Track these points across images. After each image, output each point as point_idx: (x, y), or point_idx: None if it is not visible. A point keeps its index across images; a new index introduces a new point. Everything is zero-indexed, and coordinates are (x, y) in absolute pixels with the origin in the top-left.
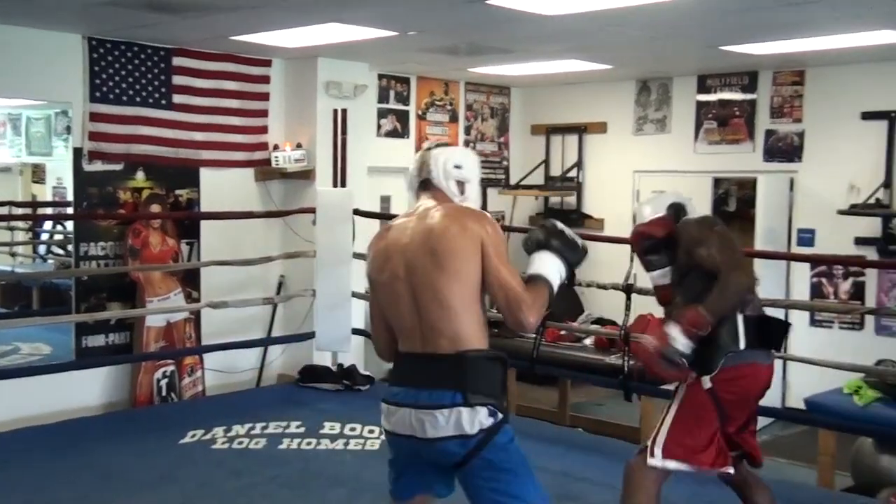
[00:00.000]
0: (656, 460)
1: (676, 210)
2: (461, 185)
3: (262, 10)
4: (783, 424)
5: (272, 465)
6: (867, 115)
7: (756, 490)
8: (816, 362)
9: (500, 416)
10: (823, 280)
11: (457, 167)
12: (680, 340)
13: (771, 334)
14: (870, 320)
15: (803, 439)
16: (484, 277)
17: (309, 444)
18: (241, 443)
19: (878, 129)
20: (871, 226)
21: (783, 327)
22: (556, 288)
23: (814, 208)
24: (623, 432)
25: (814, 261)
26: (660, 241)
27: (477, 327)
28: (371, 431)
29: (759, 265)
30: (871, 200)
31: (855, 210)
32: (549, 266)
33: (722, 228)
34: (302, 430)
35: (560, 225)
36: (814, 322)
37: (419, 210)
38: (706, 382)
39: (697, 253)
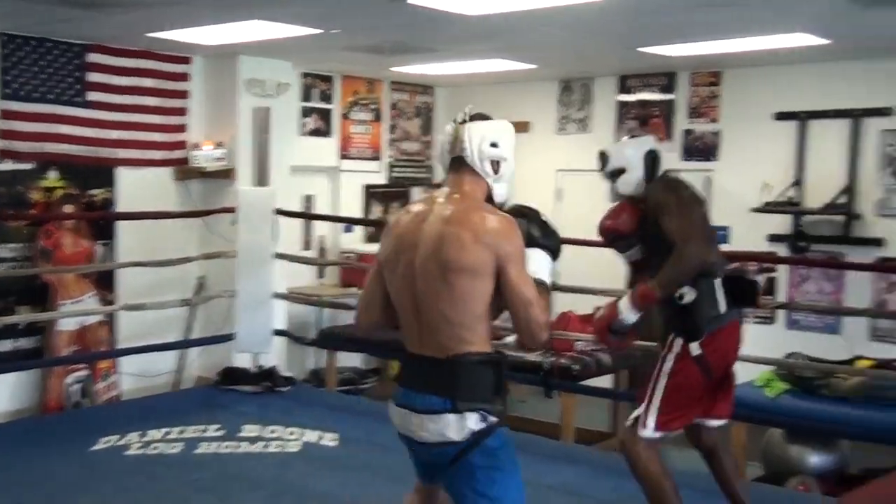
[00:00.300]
0: (648, 431)
1: (653, 159)
2: (496, 164)
3: (181, 6)
4: None
5: (189, 469)
6: (780, 116)
7: (724, 457)
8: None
9: (493, 419)
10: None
11: (493, 146)
12: (627, 314)
13: (744, 293)
14: (781, 315)
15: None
16: (502, 290)
17: (227, 447)
18: (155, 448)
19: (789, 130)
20: (783, 223)
21: (753, 285)
22: (550, 286)
23: (729, 206)
24: (544, 429)
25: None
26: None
27: (478, 333)
28: (292, 433)
29: None
30: (783, 199)
31: (768, 208)
32: (543, 266)
33: (687, 193)
34: (221, 433)
35: (541, 214)
36: None
37: (440, 199)
38: (695, 349)
39: (661, 221)
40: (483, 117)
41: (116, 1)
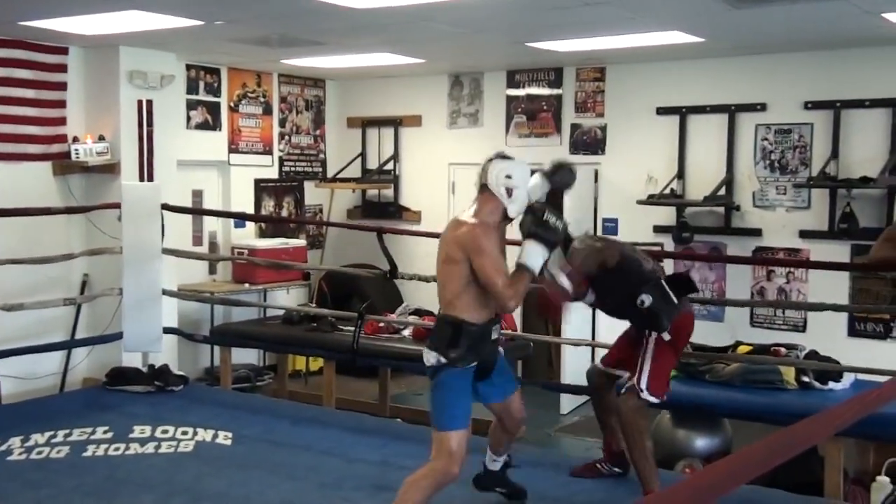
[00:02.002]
0: (646, 394)
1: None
2: (510, 191)
3: None
4: (591, 406)
5: (75, 474)
6: (661, 111)
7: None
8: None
9: (443, 360)
10: None
11: (507, 177)
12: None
13: (687, 285)
14: None
15: None
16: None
17: (117, 449)
18: (40, 452)
19: (671, 124)
20: (667, 214)
21: (689, 279)
22: (537, 270)
23: (616, 198)
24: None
25: None
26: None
27: (464, 302)
28: (185, 433)
29: None
30: (667, 191)
31: (652, 200)
32: (532, 254)
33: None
34: (109, 435)
35: (544, 213)
36: None
37: (462, 213)
38: (666, 336)
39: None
40: (505, 157)
41: None
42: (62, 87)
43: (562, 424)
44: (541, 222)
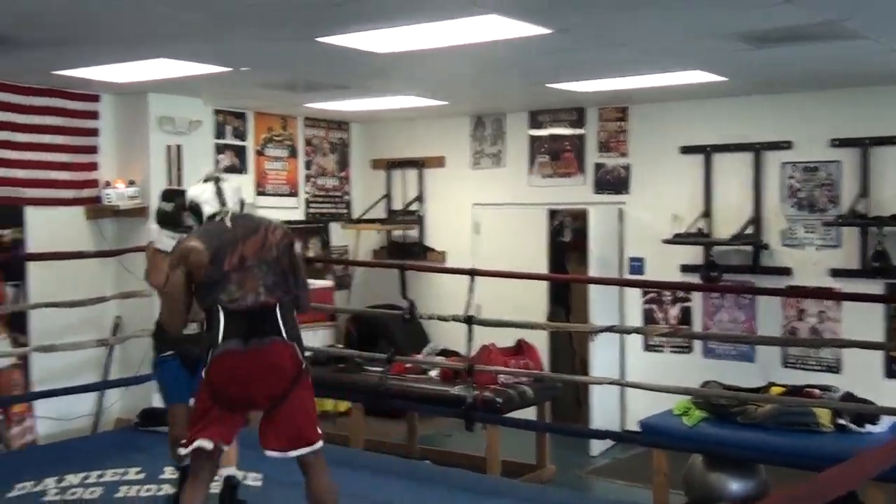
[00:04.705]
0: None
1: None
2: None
3: (86, 45)
4: (622, 447)
5: None
6: (686, 150)
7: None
8: (646, 386)
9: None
10: (654, 307)
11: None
12: None
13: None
14: (698, 344)
15: (640, 461)
16: None
17: (149, 490)
18: (74, 493)
19: (695, 163)
20: (694, 253)
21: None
22: None
23: (642, 238)
24: (470, 461)
25: (642, 285)
26: None
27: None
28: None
29: (594, 291)
30: (693, 230)
31: (678, 239)
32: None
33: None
34: (141, 476)
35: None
36: (647, 347)
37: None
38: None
39: None
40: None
41: (20, 39)
42: (94, 133)
43: (592, 466)
44: None
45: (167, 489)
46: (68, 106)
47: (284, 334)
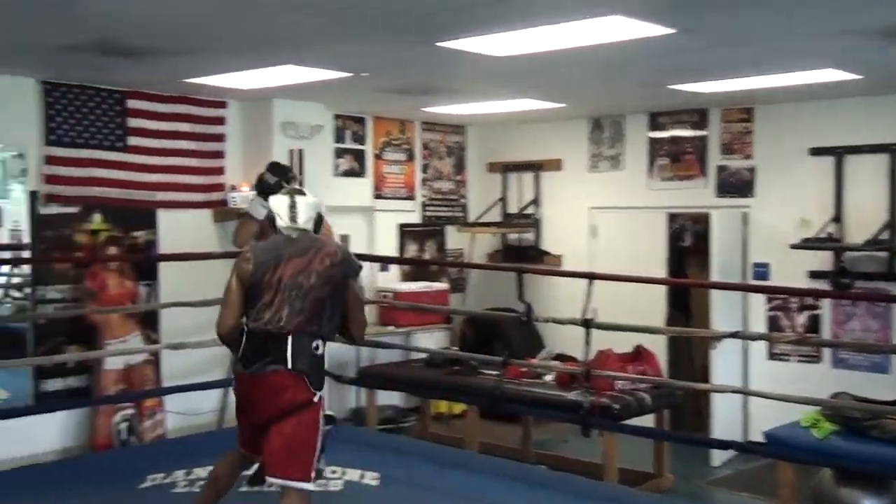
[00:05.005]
0: None
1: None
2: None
3: (216, 53)
4: (744, 458)
5: None
6: (815, 151)
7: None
8: (773, 396)
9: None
10: (780, 314)
11: None
12: None
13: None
14: (827, 353)
15: (764, 473)
16: None
17: (270, 486)
18: (201, 486)
19: (826, 165)
20: (823, 259)
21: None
22: None
23: (767, 242)
24: (586, 468)
25: (768, 291)
26: None
27: None
28: (334, 472)
29: (716, 297)
30: (823, 234)
31: (807, 244)
32: None
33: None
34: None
35: None
36: (772, 356)
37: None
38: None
39: None
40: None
41: (153, 49)
42: (221, 138)
43: (713, 477)
44: None
45: None
46: (198, 112)
47: (289, 364)
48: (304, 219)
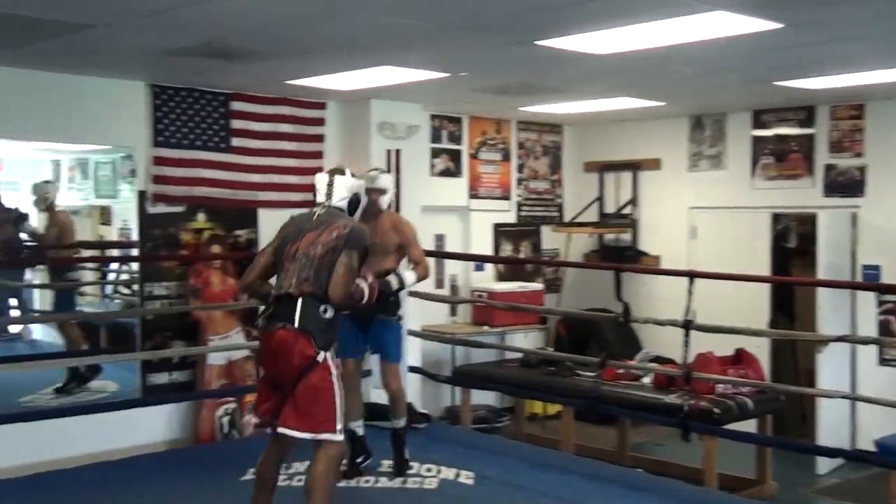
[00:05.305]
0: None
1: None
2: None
3: (317, 55)
4: (853, 467)
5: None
6: None
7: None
8: (885, 402)
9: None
10: (891, 318)
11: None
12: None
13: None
14: None
15: (874, 482)
16: None
17: (367, 482)
18: (300, 480)
19: None
20: None
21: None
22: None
23: (879, 244)
24: (685, 473)
25: (881, 290)
26: None
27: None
28: (429, 470)
29: (823, 300)
30: None
31: None
32: None
33: None
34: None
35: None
36: (882, 361)
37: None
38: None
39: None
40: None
41: (257, 52)
42: (320, 139)
43: (820, 486)
44: None
45: (384, 482)
46: (299, 113)
47: (296, 324)
48: (338, 197)
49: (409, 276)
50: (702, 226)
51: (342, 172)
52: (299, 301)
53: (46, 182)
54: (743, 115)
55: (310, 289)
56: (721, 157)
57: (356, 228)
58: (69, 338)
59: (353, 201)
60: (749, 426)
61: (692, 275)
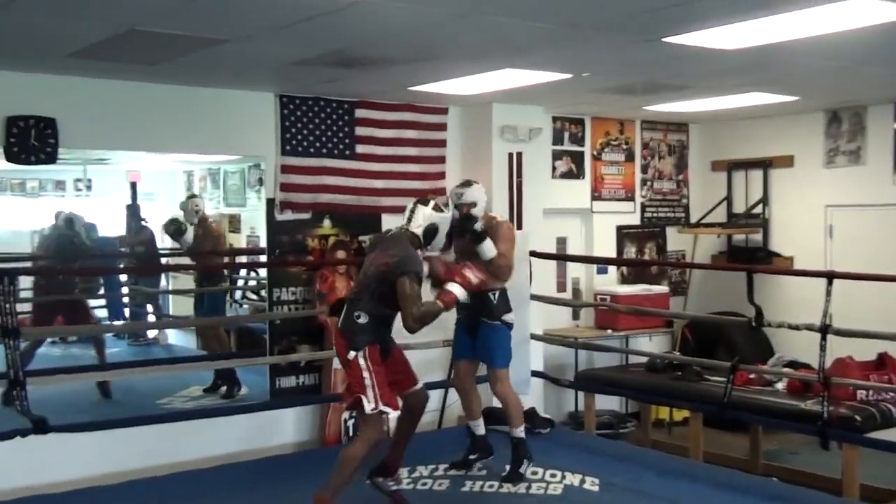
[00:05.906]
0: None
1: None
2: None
3: (440, 61)
4: None
5: None
6: None
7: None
8: None
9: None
10: None
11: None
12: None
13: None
14: None
15: None
16: None
17: (491, 486)
18: (424, 484)
19: None
20: None
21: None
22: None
23: None
24: (823, 483)
25: None
26: None
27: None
28: (553, 475)
29: None
30: None
31: None
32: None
33: None
34: (483, 472)
35: None
36: None
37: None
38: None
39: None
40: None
41: (382, 59)
42: (442, 144)
43: None
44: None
45: (508, 487)
46: (421, 119)
47: (339, 324)
48: (416, 224)
49: (488, 245)
50: (839, 224)
51: (426, 203)
52: (345, 306)
53: (193, 196)
54: (885, 108)
55: (354, 298)
56: (860, 153)
57: (408, 258)
58: (219, 341)
59: (429, 230)
60: (892, 435)
61: (832, 276)
